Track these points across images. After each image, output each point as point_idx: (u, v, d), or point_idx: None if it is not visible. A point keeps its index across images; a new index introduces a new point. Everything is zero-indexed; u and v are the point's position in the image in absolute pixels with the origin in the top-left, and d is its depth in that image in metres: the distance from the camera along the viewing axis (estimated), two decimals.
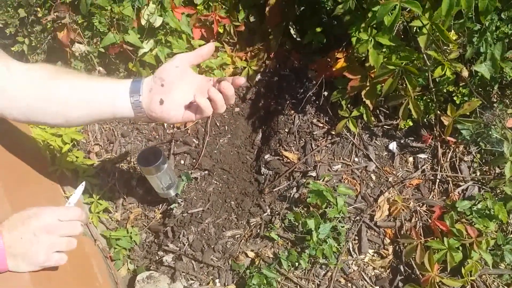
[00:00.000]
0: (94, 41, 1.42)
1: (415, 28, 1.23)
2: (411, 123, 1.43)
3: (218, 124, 1.68)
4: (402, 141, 1.47)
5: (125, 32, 1.37)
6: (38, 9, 1.42)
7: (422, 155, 1.45)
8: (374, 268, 1.35)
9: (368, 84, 1.30)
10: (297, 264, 1.34)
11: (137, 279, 1.35)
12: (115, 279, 1.34)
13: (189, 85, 0.94)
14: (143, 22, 1.37)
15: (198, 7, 1.51)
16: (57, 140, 1.40)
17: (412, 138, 1.47)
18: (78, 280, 1.06)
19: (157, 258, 1.43)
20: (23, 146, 1.27)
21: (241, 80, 0.94)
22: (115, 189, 1.54)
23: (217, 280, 1.38)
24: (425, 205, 1.38)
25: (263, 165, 1.58)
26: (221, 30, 1.57)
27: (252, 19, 1.61)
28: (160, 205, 1.55)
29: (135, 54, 1.44)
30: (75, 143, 1.52)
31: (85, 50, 1.42)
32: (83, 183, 1.02)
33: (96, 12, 1.34)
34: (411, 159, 1.46)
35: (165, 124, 1.61)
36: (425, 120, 1.42)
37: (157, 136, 1.63)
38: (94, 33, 1.40)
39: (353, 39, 1.20)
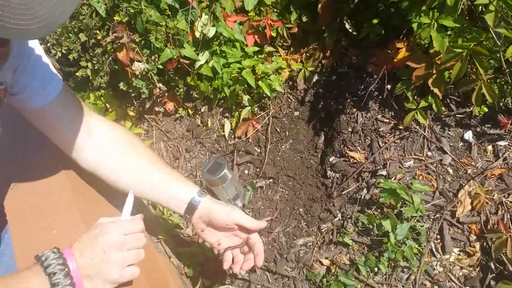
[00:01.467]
0: (152, 58, 1.51)
1: (480, 6, 1.20)
2: (486, 109, 1.38)
3: (278, 130, 1.72)
4: (478, 129, 1.41)
5: (181, 46, 1.46)
6: (98, 31, 1.54)
7: (502, 142, 1.39)
8: (461, 268, 1.31)
9: (434, 71, 1.27)
10: (376, 269, 1.32)
11: None
12: None
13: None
14: (197, 34, 1.45)
15: (249, 14, 1.56)
16: None
17: (489, 125, 1.41)
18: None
19: (231, 271, 1.48)
20: None
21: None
22: None
23: None
24: (511, 195, 1.32)
25: (329, 168, 1.59)
26: (274, 34, 1.60)
27: (304, 19, 1.63)
28: None
29: (192, 67, 1.53)
30: None
31: (144, 68, 1.52)
32: (131, 191, 1.04)
33: (151, 28, 1.43)
34: (490, 147, 1.40)
35: (226, 136, 1.68)
36: (501, 104, 1.37)
37: (219, 148, 1.70)
38: (151, 51, 1.50)
39: (414, 25, 1.19)
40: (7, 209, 1.02)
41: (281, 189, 1.63)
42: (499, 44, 1.18)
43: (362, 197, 1.44)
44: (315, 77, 1.63)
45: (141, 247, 0.98)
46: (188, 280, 1.49)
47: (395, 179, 1.41)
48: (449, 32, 1.19)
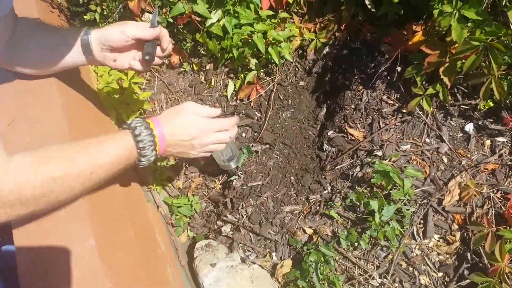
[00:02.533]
0: (164, 10, 1.47)
1: (504, 1, 1.17)
2: (491, 104, 1.37)
3: (281, 97, 1.70)
4: (480, 123, 1.41)
5: (194, 2, 1.41)
6: None
7: (500, 139, 1.39)
8: (438, 254, 1.34)
9: (447, 60, 1.25)
10: (356, 244, 1.36)
11: (196, 247, 1.44)
12: (176, 245, 1.44)
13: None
14: None
15: None
16: (125, 108, 1.50)
17: (492, 120, 1.40)
18: (142, 246, 1.13)
19: (216, 227, 1.51)
20: (94, 114, 1.37)
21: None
22: (178, 158, 1.63)
23: (273, 254, 1.44)
24: (499, 191, 1.33)
25: (326, 142, 1.59)
26: (290, 0, 1.56)
27: None
28: (221, 176, 1.62)
29: (203, 24, 1.48)
30: (142, 111, 1.62)
31: (150, 20, 1.48)
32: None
33: None
34: (488, 142, 1.40)
35: (228, 97, 1.66)
36: (507, 101, 1.36)
37: (220, 108, 1.69)
38: (164, 3, 1.46)
39: (435, 12, 1.15)
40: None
41: (276, 156, 1.64)
42: None
43: (354, 175, 1.45)
44: (326, 49, 1.60)
45: (223, 142, 1.15)
46: (174, 229, 1.52)
47: (389, 161, 1.41)
48: (468, 24, 1.16)
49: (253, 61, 1.52)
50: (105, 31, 1.09)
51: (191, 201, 1.55)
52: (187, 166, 1.63)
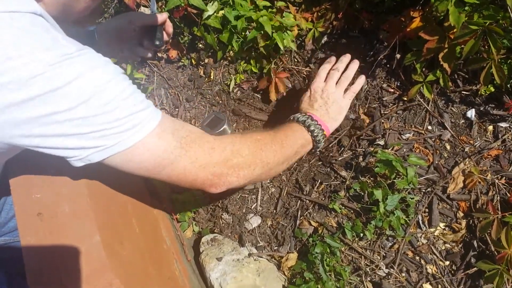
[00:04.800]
0: (159, 4, 1.50)
1: None
2: (492, 89, 1.39)
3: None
4: (481, 108, 1.43)
5: None
6: None
7: (503, 124, 1.41)
8: (444, 242, 1.37)
9: (446, 45, 1.26)
10: (362, 235, 1.39)
11: (202, 241, 1.48)
12: (181, 240, 1.47)
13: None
14: None
15: None
16: None
17: (493, 105, 1.42)
18: (147, 242, 1.16)
19: (221, 222, 1.55)
20: None
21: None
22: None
23: (280, 247, 1.47)
24: (504, 177, 1.35)
25: None
26: None
27: None
28: None
29: (199, 17, 1.51)
30: None
31: (150, 12, 1.51)
32: None
33: None
34: (490, 127, 1.42)
35: (230, 89, 1.69)
36: (508, 85, 1.37)
37: (220, 101, 1.72)
38: None
39: None
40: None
41: None
42: None
43: (358, 164, 1.47)
44: (324, 39, 1.62)
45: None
46: (179, 225, 1.55)
47: (392, 149, 1.44)
48: (466, 8, 1.17)
49: (263, 43, 1.51)
50: (112, 22, 1.12)
51: (196, 195, 1.58)
52: None
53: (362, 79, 1.41)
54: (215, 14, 1.48)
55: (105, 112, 0.77)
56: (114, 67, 0.82)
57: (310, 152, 1.37)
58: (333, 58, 1.44)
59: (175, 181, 0.94)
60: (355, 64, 1.41)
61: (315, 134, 1.26)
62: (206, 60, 1.73)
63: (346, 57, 1.43)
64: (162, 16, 1.14)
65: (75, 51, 0.75)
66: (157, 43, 1.14)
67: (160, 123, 0.86)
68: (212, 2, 1.47)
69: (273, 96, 1.62)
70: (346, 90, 1.39)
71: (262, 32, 1.45)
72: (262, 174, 1.08)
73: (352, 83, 1.41)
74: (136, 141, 0.83)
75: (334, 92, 1.36)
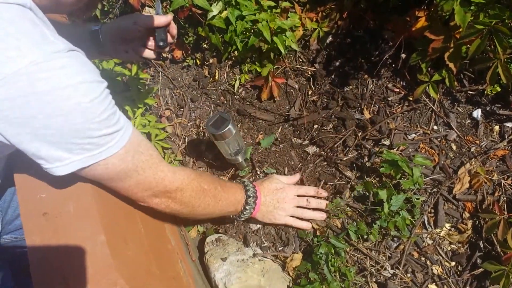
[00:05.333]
0: (164, 4, 1.50)
1: None
2: (499, 89, 1.38)
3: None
4: (487, 108, 1.42)
5: None
6: None
7: (509, 124, 1.40)
8: (450, 243, 1.36)
9: (452, 45, 1.26)
10: (366, 236, 1.38)
11: (207, 241, 1.48)
12: (186, 240, 1.47)
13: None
14: None
15: None
16: (131, 104, 1.54)
17: (499, 105, 1.41)
18: (152, 241, 1.16)
19: (225, 222, 1.55)
20: None
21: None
22: (185, 153, 1.67)
23: (285, 247, 1.47)
24: (510, 178, 1.35)
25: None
26: None
27: None
28: (228, 169, 1.65)
29: (204, 17, 1.51)
30: (147, 107, 1.65)
31: (155, 13, 1.51)
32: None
33: None
34: (497, 128, 1.42)
35: (235, 89, 1.69)
36: None
37: (225, 101, 1.72)
38: None
39: None
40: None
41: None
42: None
43: (363, 164, 1.47)
44: (329, 39, 1.62)
45: (312, 207, 1.44)
46: (184, 225, 1.56)
47: (397, 150, 1.43)
48: (472, 7, 1.17)
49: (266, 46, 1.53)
50: (117, 23, 1.13)
51: None
52: (195, 161, 1.66)
53: (307, 225, 1.44)
54: (219, 14, 1.49)
55: (80, 129, 0.79)
56: (99, 82, 0.82)
57: (229, 218, 1.44)
58: (324, 194, 1.47)
59: (115, 191, 1.01)
60: (320, 216, 1.44)
61: (244, 212, 1.35)
62: (211, 60, 1.74)
63: (323, 204, 1.45)
64: (167, 18, 1.15)
65: (63, 50, 0.74)
66: (161, 44, 1.15)
67: (125, 146, 0.89)
68: (216, 2, 1.47)
69: (264, 96, 1.66)
70: (292, 216, 1.43)
71: (261, 38, 1.47)
72: (184, 215, 1.20)
73: (300, 219, 1.44)
74: (99, 160, 0.86)
75: (288, 208, 1.42)
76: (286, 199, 1.41)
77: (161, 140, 1.60)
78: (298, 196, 1.44)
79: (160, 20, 1.14)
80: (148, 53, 1.23)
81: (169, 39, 1.20)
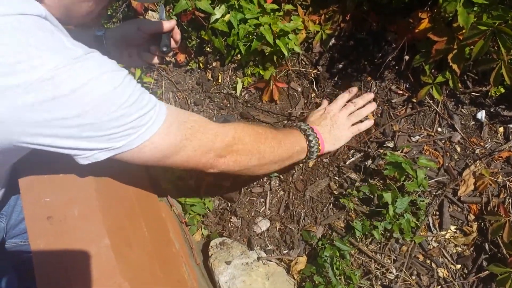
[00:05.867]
0: (167, 8, 1.51)
1: None
2: (503, 90, 1.37)
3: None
4: (492, 110, 1.41)
5: None
6: None
7: None
8: (455, 246, 1.36)
9: (455, 46, 1.26)
10: (371, 238, 1.38)
11: (211, 245, 1.48)
12: (190, 244, 1.47)
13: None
14: None
15: None
16: None
17: (504, 107, 1.40)
18: (156, 245, 1.16)
19: (230, 225, 1.55)
20: None
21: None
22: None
23: (290, 251, 1.47)
24: None
25: None
26: None
27: None
28: None
29: (207, 21, 1.52)
30: None
31: (158, 18, 1.52)
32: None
33: None
34: (501, 129, 1.41)
35: (238, 92, 1.69)
36: None
37: (228, 105, 1.72)
38: (167, 0, 1.49)
39: None
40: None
41: None
42: None
43: (367, 167, 1.47)
44: (332, 41, 1.62)
45: (360, 106, 1.49)
46: (188, 228, 1.56)
47: (401, 152, 1.43)
48: (475, 8, 1.17)
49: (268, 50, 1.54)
50: (121, 28, 1.14)
51: (204, 199, 1.59)
52: None
53: (370, 122, 1.49)
54: (222, 17, 1.49)
55: (113, 118, 0.80)
56: (120, 70, 0.84)
57: (300, 162, 1.45)
58: (355, 89, 1.52)
59: (179, 167, 1.02)
60: (372, 106, 1.50)
61: (311, 145, 1.34)
62: (214, 64, 1.74)
63: (369, 96, 1.51)
64: (170, 23, 1.16)
65: (82, 54, 0.77)
66: (164, 49, 1.16)
67: (166, 120, 0.90)
68: (219, 6, 1.47)
69: (265, 99, 1.67)
70: (353, 124, 1.47)
71: (263, 41, 1.47)
72: (256, 167, 1.17)
73: (361, 121, 1.49)
74: (143, 141, 0.87)
75: (344, 121, 1.45)
76: (337, 116, 1.44)
77: None
78: (342, 107, 1.47)
79: (164, 25, 1.15)
80: (152, 58, 1.23)
81: (173, 44, 1.21)
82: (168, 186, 1.55)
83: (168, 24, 1.15)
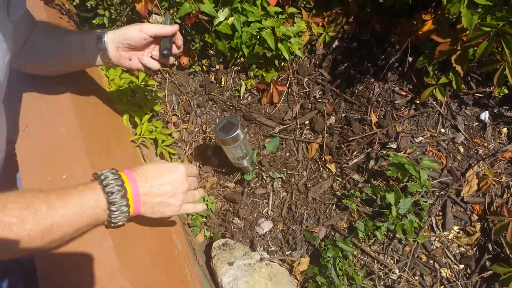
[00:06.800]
0: (171, 11, 1.50)
1: None
2: (506, 91, 1.36)
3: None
4: (495, 110, 1.40)
5: (200, 1, 1.44)
6: None
7: None
8: (459, 246, 1.34)
9: (459, 48, 1.25)
10: (374, 239, 1.37)
11: (214, 246, 1.47)
12: (193, 245, 1.46)
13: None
14: None
15: None
16: (138, 111, 1.53)
17: (507, 107, 1.39)
18: (159, 246, 1.15)
19: (232, 226, 1.54)
20: (107, 117, 1.41)
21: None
22: (192, 158, 1.66)
23: (292, 252, 1.46)
24: None
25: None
26: None
27: None
28: (234, 174, 1.64)
29: (210, 24, 1.51)
30: (154, 113, 1.65)
31: (162, 21, 1.52)
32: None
33: None
34: (504, 130, 1.39)
35: (241, 94, 1.69)
36: None
37: (231, 107, 1.71)
38: (170, 4, 1.49)
39: None
40: (18, 151, 1.05)
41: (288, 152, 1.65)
42: None
43: (370, 168, 1.45)
44: (336, 43, 1.61)
45: (196, 188, 1.07)
46: (190, 229, 1.55)
47: (405, 153, 1.42)
48: (478, 10, 1.15)
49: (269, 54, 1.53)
50: (123, 30, 1.13)
51: (207, 200, 1.58)
52: (201, 166, 1.65)
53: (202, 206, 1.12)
54: (225, 20, 1.48)
55: None
56: None
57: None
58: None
59: None
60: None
61: (113, 209, 0.87)
62: (217, 66, 1.73)
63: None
64: (173, 28, 1.14)
65: None
66: (165, 52, 1.14)
67: None
68: (222, 9, 1.47)
69: (264, 101, 1.65)
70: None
71: (265, 45, 1.46)
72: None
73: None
74: None
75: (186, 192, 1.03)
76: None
77: (168, 146, 1.60)
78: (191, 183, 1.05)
79: (166, 29, 1.14)
80: (152, 63, 1.20)
81: (174, 49, 1.20)
82: None
83: (170, 28, 1.14)
